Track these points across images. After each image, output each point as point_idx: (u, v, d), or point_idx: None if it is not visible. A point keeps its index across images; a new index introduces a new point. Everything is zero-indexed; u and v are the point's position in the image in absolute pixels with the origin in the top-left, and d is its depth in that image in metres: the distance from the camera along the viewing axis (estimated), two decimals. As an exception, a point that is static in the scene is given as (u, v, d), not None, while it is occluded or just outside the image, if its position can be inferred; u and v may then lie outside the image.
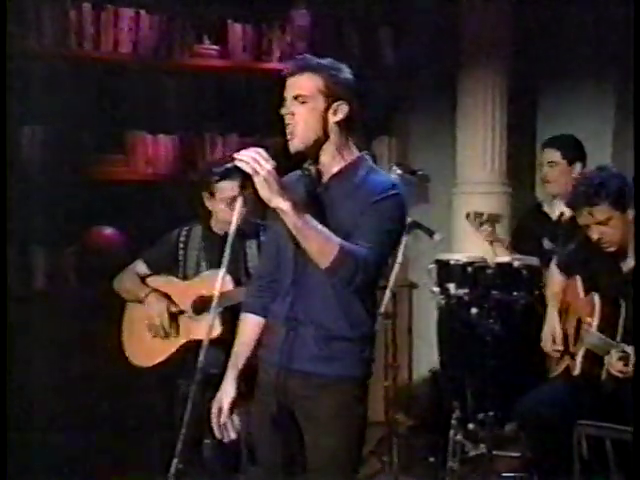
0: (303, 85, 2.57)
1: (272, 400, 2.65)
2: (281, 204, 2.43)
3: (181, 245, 3.86)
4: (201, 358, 2.54)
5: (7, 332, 3.24)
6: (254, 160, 2.42)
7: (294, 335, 2.60)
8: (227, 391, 2.70)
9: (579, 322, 3.69)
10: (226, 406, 2.69)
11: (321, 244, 2.46)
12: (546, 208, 4.58)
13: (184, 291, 3.81)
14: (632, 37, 3.66)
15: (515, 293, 4.29)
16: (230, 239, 2.51)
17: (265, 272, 2.74)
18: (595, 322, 3.59)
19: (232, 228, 2.50)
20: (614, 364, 3.47)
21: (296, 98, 2.57)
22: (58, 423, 4.40)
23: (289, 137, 2.55)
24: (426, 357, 4.95)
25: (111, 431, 4.37)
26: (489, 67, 5.05)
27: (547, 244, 4.37)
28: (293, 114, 2.55)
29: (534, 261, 4.29)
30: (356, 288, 2.50)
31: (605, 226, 3.56)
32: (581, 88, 5.14)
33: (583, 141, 4.50)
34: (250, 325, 2.73)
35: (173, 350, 3.83)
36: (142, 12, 4.78)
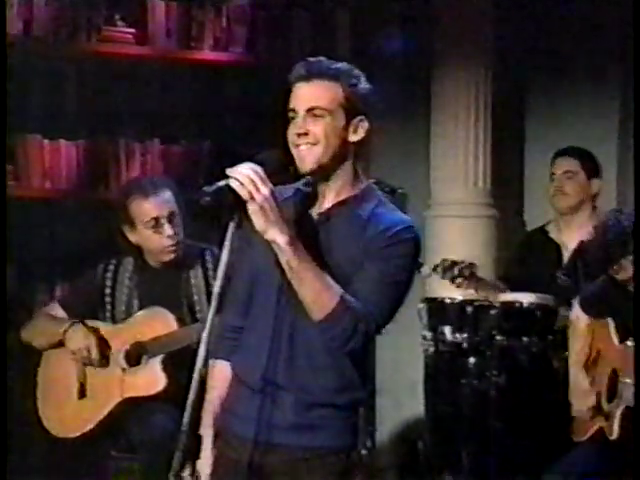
0: (321, 95, 2.41)
1: None
2: (277, 238, 2.33)
3: (108, 283, 3.71)
4: (186, 419, 2.38)
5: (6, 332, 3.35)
6: (250, 181, 2.30)
7: (271, 401, 2.46)
8: (207, 458, 2.56)
9: (614, 374, 3.59)
10: (206, 478, 2.57)
11: (318, 292, 2.36)
12: (553, 234, 4.39)
13: (114, 337, 3.63)
14: (632, 36, 3.69)
15: (525, 339, 4.12)
16: (220, 272, 2.34)
17: (238, 310, 2.57)
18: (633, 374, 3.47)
19: (223, 259, 2.35)
20: None
21: (310, 111, 2.41)
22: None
23: (299, 158, 2.40)
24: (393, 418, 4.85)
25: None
26: (469, 65, 4.89)
27: (562, 279, 4.20)
28: (307, 133, 2.39)
29: (548, 300, 4.12)
30: (350, 350, 2.39)
31: None
32: (578, 92, 5.03)
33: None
34: (225, 374, 2.57)
35: (104, 413, 3.60)
36: (36, -18, 4.45)
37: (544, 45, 5.08)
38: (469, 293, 4.25)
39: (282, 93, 2.47)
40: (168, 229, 3.56)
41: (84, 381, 3.67)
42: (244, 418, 2.50)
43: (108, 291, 3.72)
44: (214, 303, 2.36)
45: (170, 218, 3.56)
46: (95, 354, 3.61)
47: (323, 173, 2.43)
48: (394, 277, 2.41)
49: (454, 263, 4.24)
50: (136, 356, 3.62)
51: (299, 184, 2.50)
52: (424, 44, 4.97)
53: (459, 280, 4.23)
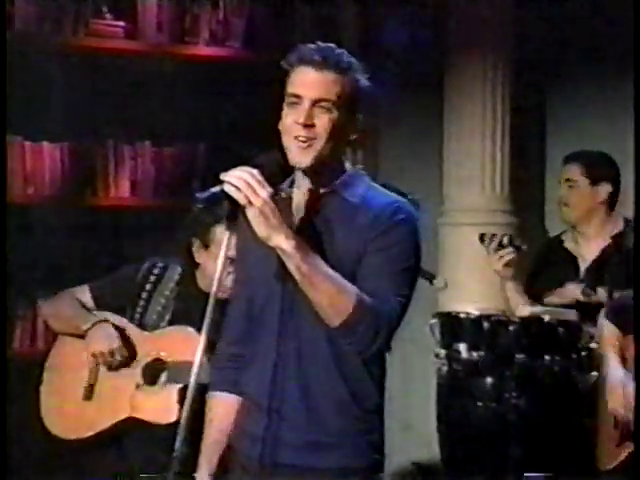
0: (331, 87, 2.40)
1: None
2: (282, 243, 2.32)
3: (148, 286, 3.62)
4: (178, 444, 2.37)
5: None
6: (246, 185, 2.30)
7: (278, 418, 2.45)
8: None
9: None
10: None
11: (333, 296, 2.35)
12: (569, 244, 4.30)
13: (138, 345, 3.55)
14: (632, 37, 3.72)
15: (546, 357, 3.95)
16: (214, 287, 2.36)
17: (237, 332, 2.57)
18: None
19: (218, 268, 2.38)
20: None
21: (318, 102, 2.40)
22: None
23: (298, 151, 2.40)
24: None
25: None
26: (485, 60, 4.81)
27: (586, 292, 4.11)
28: (313, 125, 2.39)
29: (571, 314, 4.00)
30: (373, 353, 2.41)
31: None
32: (602, 92, 4.90)
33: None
34: (223, 407, 2.57)
35: (108, 425, 3.52)
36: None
37: (566, 43, 5.00)
38: (484, 308, 4.19)
39: (280, 88, 2.43)
40: (225, 248, 3.50)
41: (94, 383, 3.59)
42: (251, 436, 2.50)
43: (145, 295, 3.64)
44: (208, 315, 2.36)
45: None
46: (117, 361, 3.54)
47: (316, 169, 2.42)
48: (399, 265, 2.40)
49: (494, 235, 4.21)
50: (154, 374, 3.53)
51: (282, 186, 2.48)
52: (436, 39, 4.94)
53: (506, 250, 4.16)
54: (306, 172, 2.43)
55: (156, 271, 3.65)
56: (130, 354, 3.55)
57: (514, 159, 4.86)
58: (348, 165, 2.50)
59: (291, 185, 2.49)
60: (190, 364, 3.27)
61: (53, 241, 4.38)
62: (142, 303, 3.64)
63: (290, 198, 2.48)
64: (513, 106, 4.85)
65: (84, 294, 3.70)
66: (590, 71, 4.94)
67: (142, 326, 3.62)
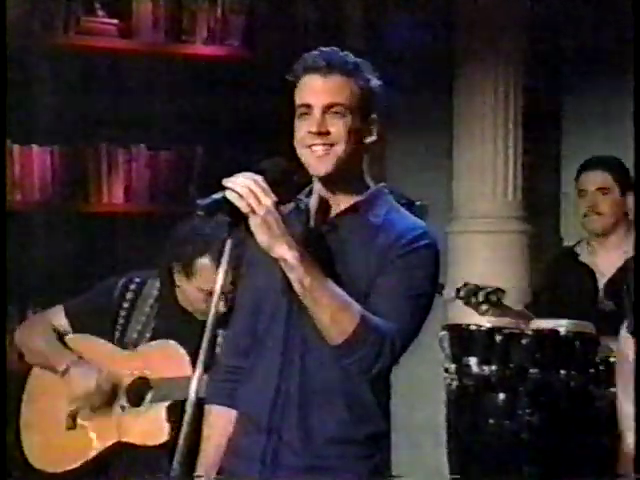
0: (340, 91, 2.41)
1: None
2: (286, 254, 2.29)
3: (126, 304, 3.52)
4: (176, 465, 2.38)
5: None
6: (249, 192, 2.26)
7: (278, 439, 2.43)
8: None
9: None
10: None
11: (335, 312, 2.33)
12: (585, 257, 4.25)
13: (119, 365, 3.46)
14: (632, 36, 3.63)
15: (562, 372, 3.92)
16: (215, 297, 2.33)
17: (240, 345, 2.57)
18: None
19: (219, 281, 2.33)
20: None
21: (330, 108, 2.40)
22: None
23: (315, 160, 2.38)
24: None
25: None
26: (497, 62, 4.76)
27: (606, 304, 4.10)
28: (328, 132, 2.38)
29: (588, 327, 3.96)
30: (374, 375, 2.38)
31: None
32: (618, 98, 4.75)
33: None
34: (223, 421, 2.56)
35: (94, 453, 3.42)
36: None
37: (581, 45, 4.97)
38: (497, 320, 4.15)
39: (286, 91, 2.43)
40: (220, 306, 3.15)
41: (76, 411, 3.50)
42: (248, 456, 2.48)
43: (123, 313, 3.54)
44: (208, 333, 2.33)
45: (226, 297, 3.21)
46: (98, 402, 3.45)
47: (336, 178, 2.42)
48: (415, 290, 2.40)
49: (479, 288, 4.15)
50: (139, 394, 3.43)
51: (300, 196, 2.49)
52: (446, 41, 4.88)
53: (484, 307, 4.14)
54: (325, 181, 2.42)
55: (133, 287, 3.56)
56: (111, 389, 3.49)
57: (527, 163, 4.81)
58: (370, 181, 2.48)
59: (308, 195, 2.48)
60: (176, 380, 3.26)
61: (43, 250, 4.37)
62: (121, 322, 3.56)
63: (308, 209, 2.47)
64: (527, 108, 4.80)
65: (59, 317, 3.61)
66: (609, 73, 4.87)
67: (123, 345, 3.53)
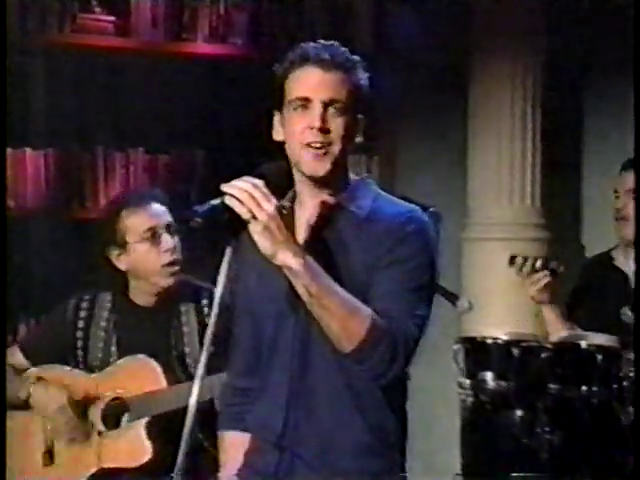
0: (340, 87, 2.38)
1: None
2: (290, 261, 2.27)
3: (80, 323, 3.50)
4: None
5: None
6: (250, 197, 2.25)
7: (291, 455, 2.43)
8: None
9: None
10: None
11: (345, 318, 2.31)
12: (620, 262, 4.14)
13: (88, 391, 3.43)
14: (632, 36, 3.75)
15: (584, 388, 3.80)
16: (214, 312, 2.27)
17: (245, 364, 2.55)
18: None
19: (218, 292, 2.28)
20: None
21: (330, 104, 2.37)
22: None
23: (313, 159, 2.37)
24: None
25: None
26: (514, 59, 4.69)
27: (628, 316, 3.97)
28: (329, 130, 2.36)
29: (612, 341, 3.88)
30: (389, 380, 2.38)
31: None
32: None
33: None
34: (237, 447, 2.54)
35: None
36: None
37: (605, 42, 4.83)
38: (514, 334, 4.03)
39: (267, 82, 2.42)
40: (167, 240, 3.35)
41: (52, 445, 3.47)
42: (263, 474, 2.49)
43: (80, 334, 3.53)
44: (205, 352, 2.30)
45: (168, 229, 3.39)
46: (65, 425, 3.44)
47: (327, 178, 2.41)
48: (414, 281, 2.39)
49: (526, 258, 4.08)
50: (115, 416, 3.41)
51: (284, 201, 2.45)
52: (460, 37, 4.80)
53: (540, 274, 4.03)
54: (316, 183, 2.41)
55: (84, 305, 3.54)
56: (80, 410, 3.50)
57: (546, 167, 4.73)
58: (351, 174, 2.49)
59: (292, 199, 2.47)
60: (152, 395, 3.27)
61: (36, 258, 4.38)
62: (80, 344, 3.54)
63: (292, 213, 2.46)
64: (545, 109, 4.72)
65: (15, 356, 3.61)
66: (629, 74, 4.58)
67: (89, 367, 3.52)
